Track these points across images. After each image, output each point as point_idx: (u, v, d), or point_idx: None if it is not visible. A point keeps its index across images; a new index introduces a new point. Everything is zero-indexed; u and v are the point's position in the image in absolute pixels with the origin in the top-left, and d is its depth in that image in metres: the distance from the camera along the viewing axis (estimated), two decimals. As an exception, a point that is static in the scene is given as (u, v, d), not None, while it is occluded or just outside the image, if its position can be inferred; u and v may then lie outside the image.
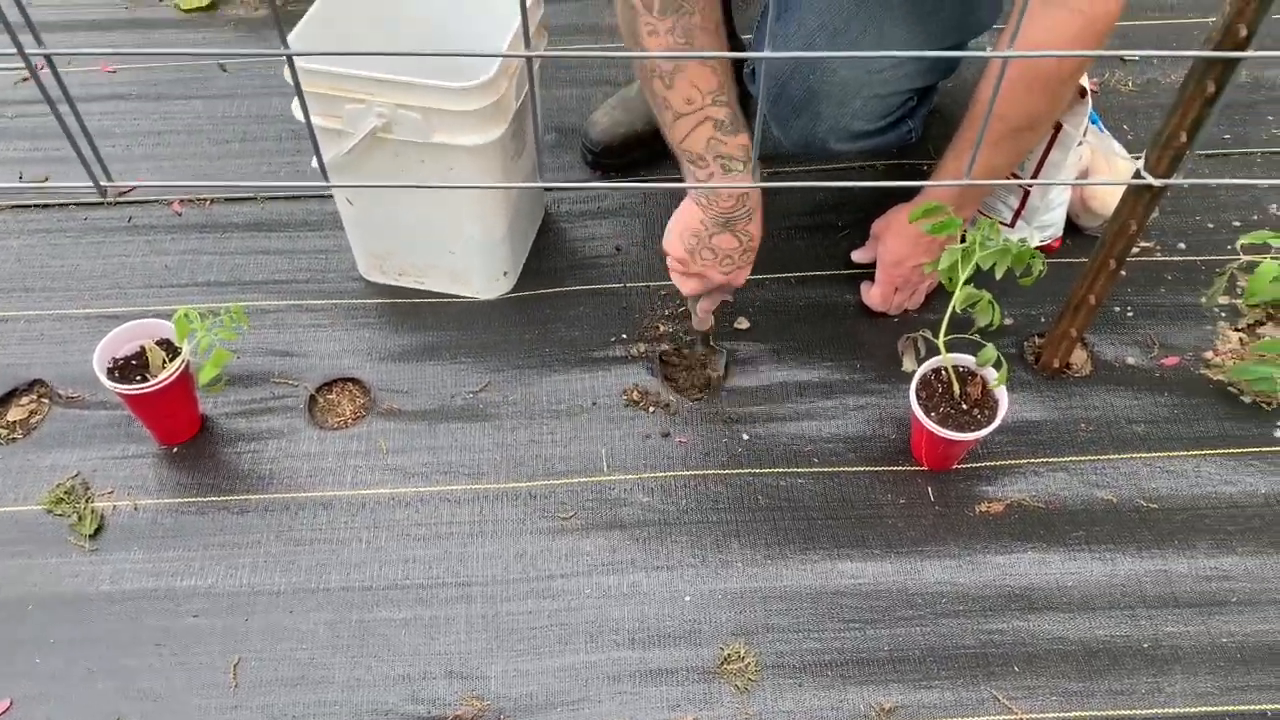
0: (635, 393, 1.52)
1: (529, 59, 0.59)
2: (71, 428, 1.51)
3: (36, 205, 1.81)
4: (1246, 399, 1.50)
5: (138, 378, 1.39)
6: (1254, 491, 1.41)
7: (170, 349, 1.42)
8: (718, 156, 1.28)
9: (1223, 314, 1.60)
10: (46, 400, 1.54)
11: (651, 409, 1.51)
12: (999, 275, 1.24)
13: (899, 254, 1.52)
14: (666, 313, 1.62)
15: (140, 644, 1.30)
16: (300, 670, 1.28)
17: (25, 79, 2.04)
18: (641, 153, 1.81)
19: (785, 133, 1.45)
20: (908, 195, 1.56)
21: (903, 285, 1.56)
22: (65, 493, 1.43)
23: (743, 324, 1.61)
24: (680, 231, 1.37)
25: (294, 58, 0.57)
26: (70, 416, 1.52)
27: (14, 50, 0.57)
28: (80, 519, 1.40)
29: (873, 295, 1.58)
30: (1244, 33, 1.05)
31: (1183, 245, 1.70)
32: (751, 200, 1.33)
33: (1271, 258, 1.34)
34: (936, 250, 1.43)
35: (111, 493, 1.44)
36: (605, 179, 1.83)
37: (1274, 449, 1.45)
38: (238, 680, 1.27)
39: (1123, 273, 1.37)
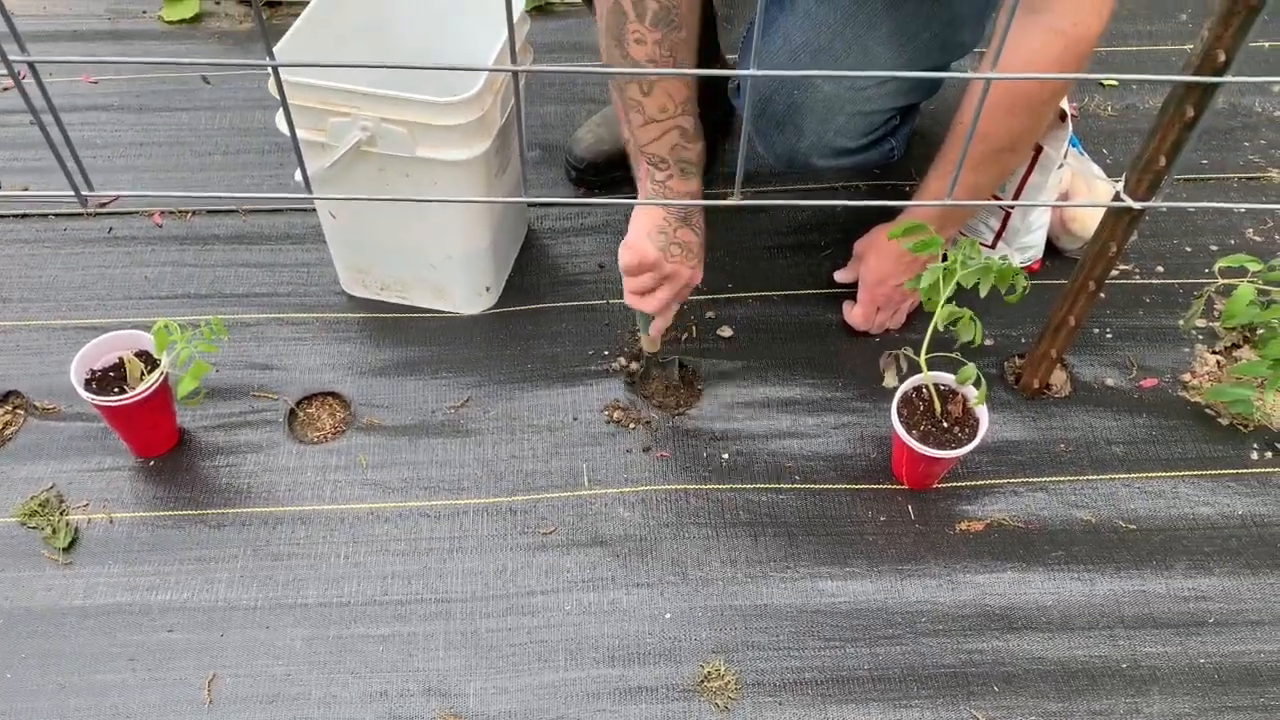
0: (616, 408, 1.52)
1: (514, 74, 0.59)
2: (47, 439, 1.49)
3: (15, 215, 1.79)
4: (1224, 421, 1.51)
5: (115, 390, 1.38)
6: (1231, 513, 1.42)
7: (149, 361, 1.40)
8: (679, 160, 1.35)
9: (1200, 337, 1.61)
10: (22, 411, 1.52)
11: (632, 424, 1.51)
12: (983, 293, 1.25)
13: (882, 273, 1.53)
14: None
15: (113, 659, 1.29)
16: (276, 687, 1.27)
17: (7, 87, 2.03)
18: (625, 170, 1.81)
19: (768, 147, 1.46)
20: (890, 215, 1.56)
21: (885, 305, 1.56)
22: (39, 505, 1.41)
23: (726, 332, 1.61)
24: (647, 233, 1.36)
25: (279, 70, 0.57)
26: (46, 428, 1.50)
27: (-3, 57, 0.56)
28: (54, 532, 1.39)
29: (855, 314, 1.59)
30: (1222, 58, 1.06)
31: (1161, 268, 1.71)
32: (698, 198, 1.42)
33: (1248, 281, 1.35)
34: (919, 270, 1.43)
35: (86, 505, 1.42)
36: (588, 195, 1.83)
37: (1251, 470, 1.46)
38: (212, 697, 1.26)
39: (1102, 295, 1.38)
